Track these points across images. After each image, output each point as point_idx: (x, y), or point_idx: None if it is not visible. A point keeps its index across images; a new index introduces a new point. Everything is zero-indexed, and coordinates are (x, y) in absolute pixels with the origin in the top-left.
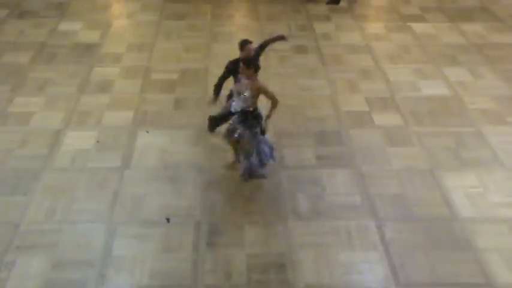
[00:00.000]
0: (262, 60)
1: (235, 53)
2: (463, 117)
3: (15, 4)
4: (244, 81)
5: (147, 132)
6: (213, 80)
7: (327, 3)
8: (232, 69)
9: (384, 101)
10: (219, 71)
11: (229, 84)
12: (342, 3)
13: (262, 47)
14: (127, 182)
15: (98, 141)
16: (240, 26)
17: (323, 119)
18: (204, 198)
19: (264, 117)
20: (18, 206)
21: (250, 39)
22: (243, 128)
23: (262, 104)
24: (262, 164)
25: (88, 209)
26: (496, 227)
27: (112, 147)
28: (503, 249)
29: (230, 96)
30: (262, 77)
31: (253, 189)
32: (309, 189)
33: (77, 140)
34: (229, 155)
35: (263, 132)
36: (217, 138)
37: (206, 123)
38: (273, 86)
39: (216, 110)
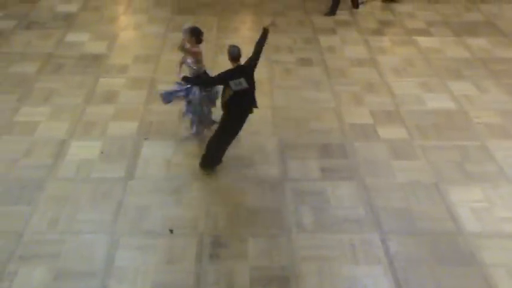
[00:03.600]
0: (267, 72)
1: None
2: (468, 131)
3: (23, 15)
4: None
5: (146, 139)
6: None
7: (325, 14)
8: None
9: (389, 114)
10: None
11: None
12: (345, 16)
13: (257, 53)
14: (131, 192)
15: (102, 152)
16: (245, 39)
17: (327, 131)
18: (207, 209)
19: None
20: (22, 215)
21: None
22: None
23: None
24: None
25: (91, 219)
26: (502, 242)
27: (116, 158)
28: (509, 264)
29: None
30: (267, 88)
31: (257, 201)
32: (313, 202)
33: (82, 150)
34: (232, 165)
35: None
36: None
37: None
38: (277, 98)
39: None
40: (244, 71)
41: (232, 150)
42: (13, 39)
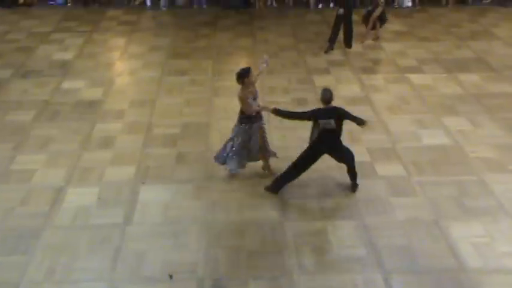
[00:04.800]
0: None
1: (236, 107)
2: (465, 166)
3: (20, 64)
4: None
5: (143, 183)
6: (215, 134)
7: (325, 52)
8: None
9: (386, 152)
10: (221, 125)
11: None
12: (339, 56)
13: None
14: (129, 238)
15: (99, 198)
16: None
17: (326, 170)
18: (207, 253)
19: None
20: (18, 265)
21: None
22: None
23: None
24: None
25: (89, 267)
26: (504, 278)
27: (114, 204)
28: None
29: None
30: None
31: (257, 242)
32: (314, 242)
33: (79, 196)
34: (231, 207)
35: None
36: (219, 192)
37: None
38: (274, 139)
39: None
40: (335, 113)
41: (230, 194)
42: (9, 88)
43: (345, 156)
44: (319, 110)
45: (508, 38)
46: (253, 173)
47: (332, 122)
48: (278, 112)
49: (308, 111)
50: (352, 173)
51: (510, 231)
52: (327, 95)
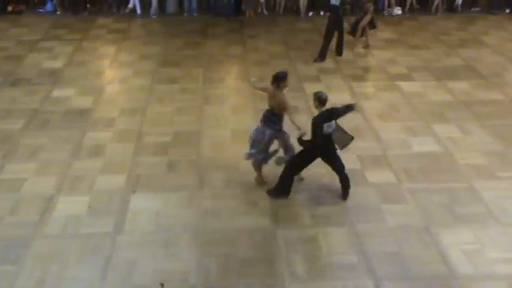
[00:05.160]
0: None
1: (227, 115)
2: (455, 173)
3: (9, 72)
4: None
5: (134, 192)
6: (206, 143)
7: (315, 60)
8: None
9: (376, 159)
10: (212, 133)
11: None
12: (329, 64)
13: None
14: (120, 247)
15: (89, 207)
16: (231, 89)
17: (316, 177)
18: (198, 261)
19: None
20: (8, 275)
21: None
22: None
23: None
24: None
25: (80, 276)
26: (495, 284)
27: (104, 212)
28: None
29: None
30: None
31: (248, 250)
32: (305, 249)
33: (69, 205)
34: (223, 215)
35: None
36: (211, 200)
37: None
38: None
39: None
40: (334, 113)
41: (222, 202)
42: None
43: (336, 164)
44: (320, 116)
45: (497, 46)
46: (244, 181)
47: (333, 124)
48: (300, 142)
49: (315, 132)
50: (344, 183)
51: (500, 238)
52: (324, 95)
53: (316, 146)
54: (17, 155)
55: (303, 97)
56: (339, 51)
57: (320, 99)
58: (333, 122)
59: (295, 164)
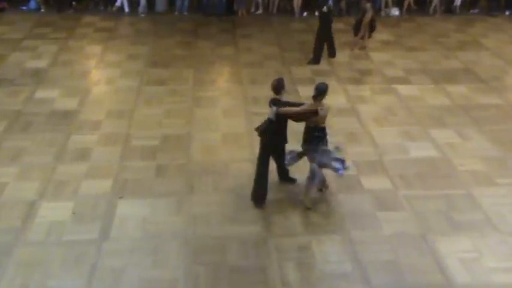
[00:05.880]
0: (246, 124)
1: (218, 118)
2: (453, 179)
3: None
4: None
5: (121, 197)
6: (196, 147)
7: (308, 63)
8: None
9: (372, 164)
10: (202, 136)
11: None
12: (324, 66)
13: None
14: (105, 255)
15: (74, 213)
16: (222, 91)
17: None
18: (187, 270)
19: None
20: None
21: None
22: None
23: None
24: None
25: (64, 285)
26: None
27: (89, 218)
28: None
29: None
30: (246, 141)
31: (239, 258)
32: (298, 258)
33: (53, 211)
34: (213, 222)
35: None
36: (200, 207)
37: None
38: (257, 150)
39: None
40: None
41: (212, 208)
42: None
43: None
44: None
45: (497, 49)
46: (235, 186)
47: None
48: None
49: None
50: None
51: (498, 246)
52: (319, 85)
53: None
54: None
55: (297, 100)
56: (331, 53)
57: (320, 89)
58: (274, 108)
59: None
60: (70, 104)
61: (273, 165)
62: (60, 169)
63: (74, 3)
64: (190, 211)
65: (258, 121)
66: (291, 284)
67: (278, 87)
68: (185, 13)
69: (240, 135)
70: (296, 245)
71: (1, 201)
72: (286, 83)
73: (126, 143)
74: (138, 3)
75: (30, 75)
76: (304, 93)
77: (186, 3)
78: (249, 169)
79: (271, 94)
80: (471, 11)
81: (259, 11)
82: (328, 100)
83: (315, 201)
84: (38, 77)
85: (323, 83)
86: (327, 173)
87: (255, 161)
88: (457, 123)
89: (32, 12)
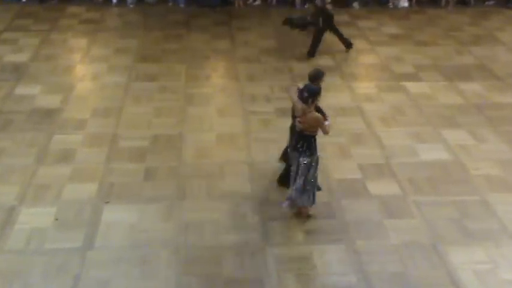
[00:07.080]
0: (243, 123)
1: (212, 117)
2: (466, 184)
3: None
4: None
5: (107, 202)
6: (188, 148)
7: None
8: None
9: (379, 168)
10: (195, 137)
11: None
12: (327, 61)
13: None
14: (90, 264)
15: (56, 219)
16: (217, 87)
17: None
18: (178, 281)
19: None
20: None
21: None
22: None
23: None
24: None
25: None
26: None
27: (73, 225)
28: None
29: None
30: (243, 142)
31: (235, 269)
32: (298, 269)
33: (33, 217)
34: (207, 230)
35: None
36: (193, 213)
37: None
38: (255, 152)
39: None
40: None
41: (205, 214)
42: None
43: None
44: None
45: None
46: (230, 191)
47: None
48: None
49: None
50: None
51: None
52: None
53: None
54: None
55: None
56: (347, 43)
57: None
58: None
59: None
60: (53, 101)
61: (276, 172)
62: (41, 172)
63: None
64: (181, 218)
65: (255, 120)
66: None
67: (317, 75)
68: (181, 5)
69: (236, 136)
70: (296, 255)
71: None
72: (286, 79)
73: (113, 144)
74: None
75: (9, 71)
76: None
77: None
78: (245, 172)
79: (269, 92)
80: (486, 2)
81: (257, 2)
82: (331, 98)
83: (316, 208)
84: (19, 72)
85: (313, 85)
86: (328, 175)
87: (253, 164)
88: (470, 123)
89: (12, 2)
